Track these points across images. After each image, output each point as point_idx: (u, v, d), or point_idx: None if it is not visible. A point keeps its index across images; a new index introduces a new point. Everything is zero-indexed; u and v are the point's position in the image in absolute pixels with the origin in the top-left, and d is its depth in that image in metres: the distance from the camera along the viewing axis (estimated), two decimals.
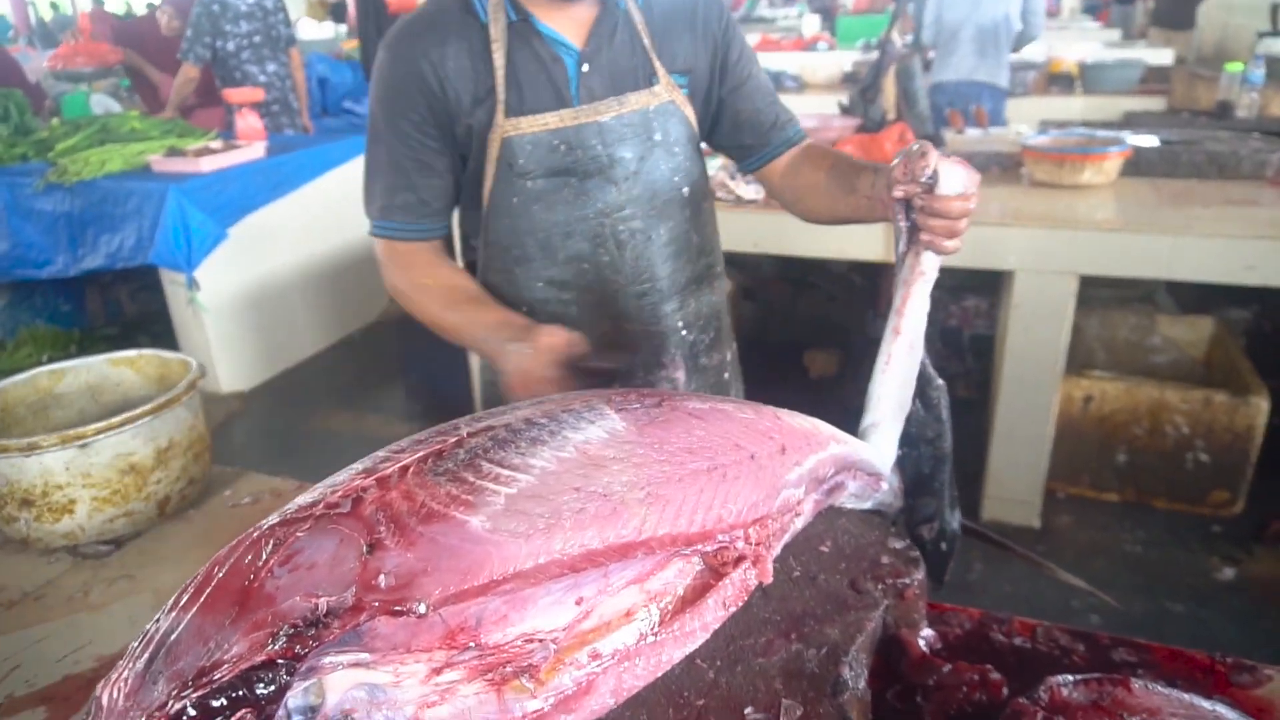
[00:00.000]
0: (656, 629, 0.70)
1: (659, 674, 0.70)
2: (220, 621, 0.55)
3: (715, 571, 0.75)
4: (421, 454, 0.66)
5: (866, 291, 3.84)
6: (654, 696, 0.69)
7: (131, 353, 1.35)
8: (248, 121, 4.30)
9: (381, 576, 0.57)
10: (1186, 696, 0.67)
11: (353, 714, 0.57)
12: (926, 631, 0.85)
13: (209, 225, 3.63)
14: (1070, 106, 4.85)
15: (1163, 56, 5.50)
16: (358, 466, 0.67)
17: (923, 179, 1.00)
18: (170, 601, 0.58)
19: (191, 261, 3.63)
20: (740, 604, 0.76)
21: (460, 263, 1.40)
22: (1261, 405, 2.53)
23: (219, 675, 0.52)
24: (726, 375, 1.51)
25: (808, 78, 6.25)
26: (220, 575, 0.58)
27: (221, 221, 3.70)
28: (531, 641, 0.63)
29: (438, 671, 0.59)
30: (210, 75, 4.91)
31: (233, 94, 4.45)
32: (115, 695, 0.55)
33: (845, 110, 3.57)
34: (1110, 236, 2.38)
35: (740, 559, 0.75)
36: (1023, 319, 2.55)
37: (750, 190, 2.79)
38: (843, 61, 6.27)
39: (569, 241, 1.29)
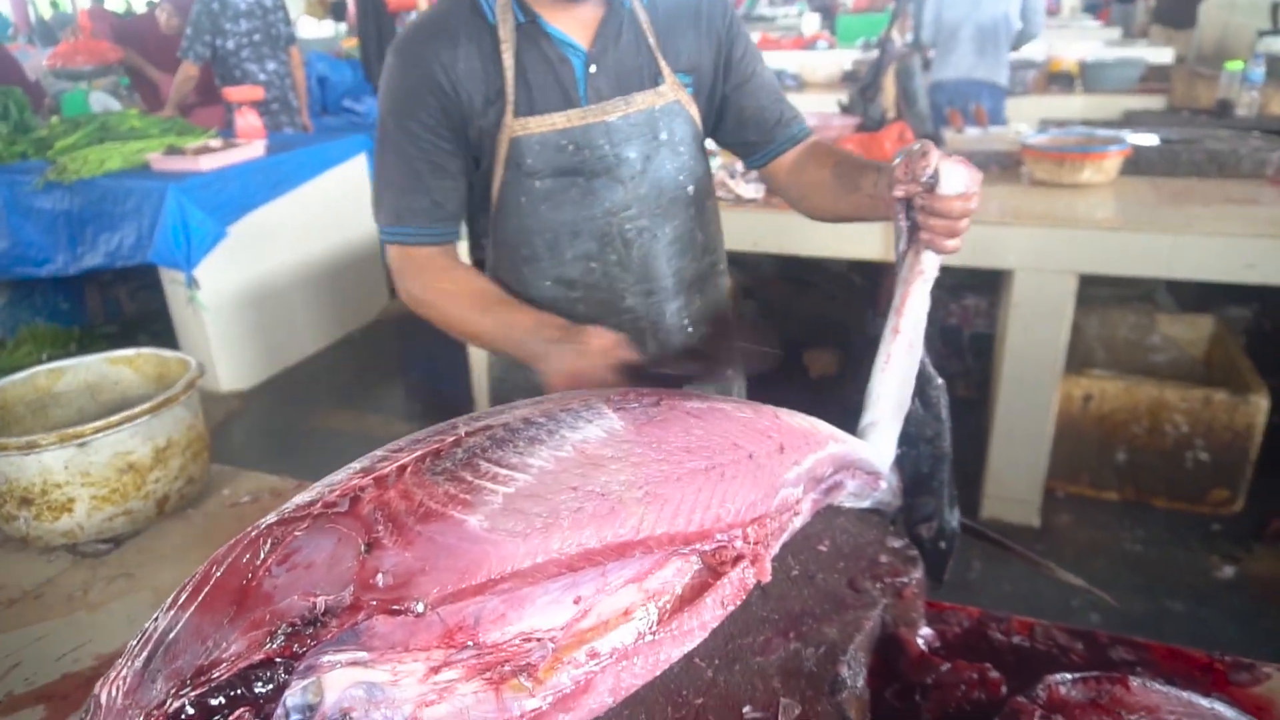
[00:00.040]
0: (655, 628, 0.70)
1: (657, 673, 0.70)
2: (218, 620, 0.55)
3: (713, 570, 0.75)
4: (419, 453, 0.66)
5: (866, 291, 3.84)
6: (652, 695, 0.69)
7: (130, 351, 1.35)
8: (247, 120, 4.30)
9: (379, 575, 0.57)
10: (1185, 695, 0.67)
11: (351, 712, 0.57)
12: (925, 630, 0.85)
13: (208, 224, 3.63)
14: (1070, 105, 4.85)
15: (1163, 55, 5.49)
16: (356, 466, 0.67)
17: (923, 179, 1.00)
18: (169, 600, 0.58)
19: (191, 260, 3.63)
20: (738, 603, 0.76)
21: (466, 258, 1.39)
22: (1261, 404, 2.53)
23: (217, 674, 0.52)
24: (729, 372, 1.52)
25: (807, 76, 6.25)
26: (218, 574, 0.58)
27: (221, 220, 3.70)
28: (530, 640, 0.63)
29: (436, 670, 0.59)
30: (210, 74, 4.90)
31: (232, 92, 4.45)
32: (114, 693, 0.55)
33: (845, 109, 3.57)
34: (1110, 235, 2.38)
35: (738, 558, 0.75)
36: (1022, 318, 2.55)
37: (750, 189, 2.78)
38: (842, 60, 6.27)
39: (577, 241, 1.30)
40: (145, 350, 1.35)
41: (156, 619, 0.58)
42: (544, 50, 1.22)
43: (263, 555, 0.58)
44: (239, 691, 0.52)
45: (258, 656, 0.53)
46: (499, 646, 0.61)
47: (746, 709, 0.68)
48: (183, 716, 0.51)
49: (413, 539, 0.59)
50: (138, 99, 5.77)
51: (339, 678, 0.57)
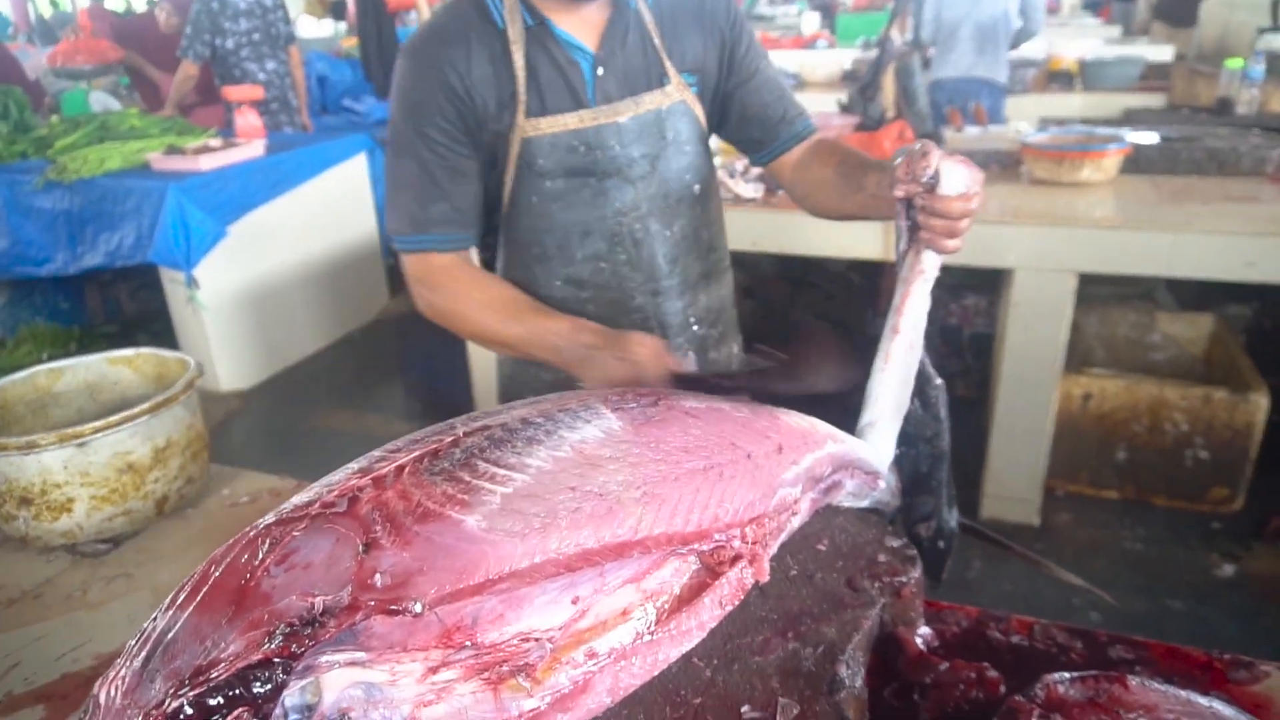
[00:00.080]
0: (653, 628, 0.70)
1: (656, 673, 0.70)
2: (217, 620, 0.55)
3: (712, 570, 0.75)
4: (417, 453, 0.66)
5: (865, 290, 3.84)
6: (651, 695, 0.69)
7: (129, 351, 1.35)
8: (247, 119, 4.30)
9: (377, 576, 0.57)
10: (1183, 693, 0.67)
11: (349, 713, 0.57)
12: (924, 629, 0.85)
13: (208, 223, 3.63)
14: (1070, 104, 4.84)
15: (1163, 53, 5.48)
16: (354, 466, 0.67)
17: (923, 179, 1.00)
18: (167, 600, 0.58)
19: (191, 260, 3.63)
20: (737, 603, 0.76)
21: (475, 261, 1.39)
22: (1261, 402, 2.53)
23: (216, 674, 0.52)
24: (734, 367, 1.53)
25: (807, 76, 6.24)
26: (217, 574, 0.58)
27: (221, 220, 3.70)
28: (528, 640, 0.63)
29: (434, 670, 0.59)
30: (210, 73, 4.90)
31: (232, 92, 4.45)
32: (113, 693, 0.55)
33: (844, 108, 3.57)
34: (1110, 234, 2.38)
35: (737, 558, 0.75)
36: (1022, 317, 2.54)
37: (749, 189, 2.78)
38: (842, 59, 6.26)
39: (587, 241, 1.31)
40: (145, 350, 1.35)
41: (155, 619, 0.58)
42: (552, 53, 1.22)
43: (261, 555, 0.58)
44: (237, 691, 0.52)
45: (256, 656, 0.53)
46: (497, 646, 0.61)
47: (745, 709, 0.68)
48: (181, 716, 0.51)
49: (411, 539, 0.59)
50: (138, 98, 5.77)
51: (337, 678, 0.57)
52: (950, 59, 4.48)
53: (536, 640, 0.63)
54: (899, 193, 1.04)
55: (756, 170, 2.88)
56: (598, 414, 0.74)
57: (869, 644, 0.80)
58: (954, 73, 4.47)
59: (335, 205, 4.39)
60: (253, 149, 3.98)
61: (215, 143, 4.03)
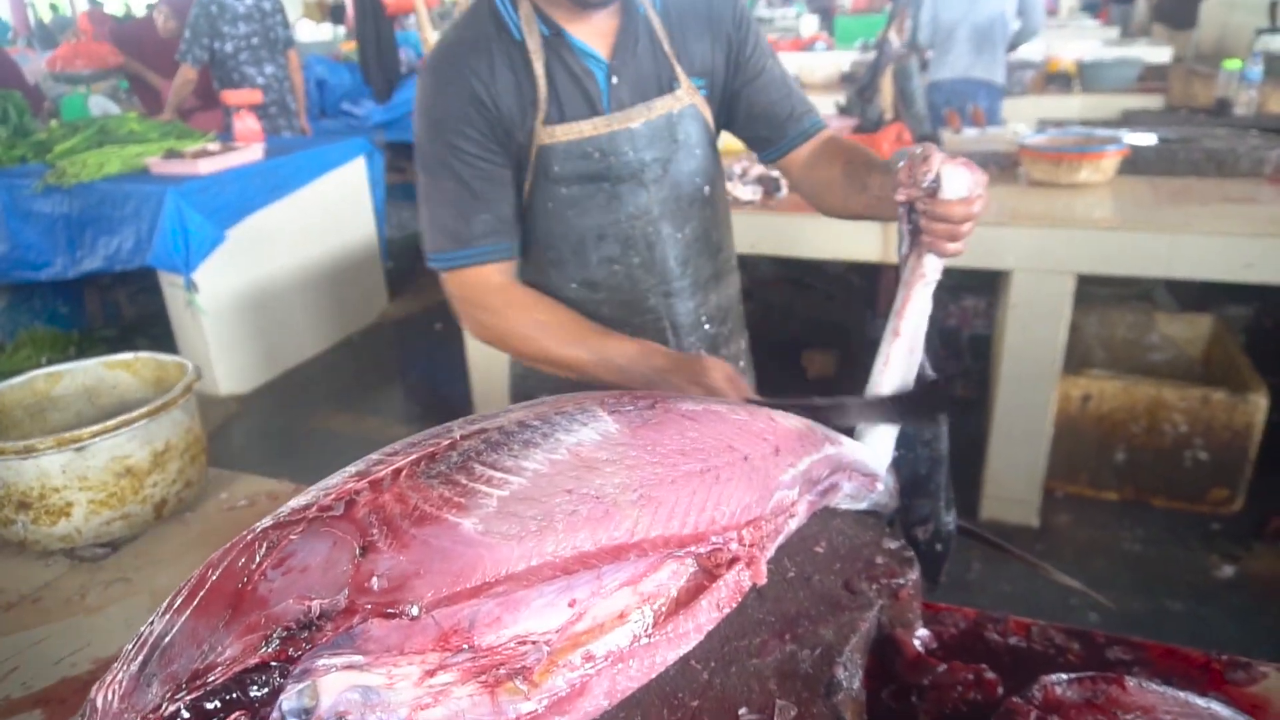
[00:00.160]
0: (650, 630, 0.70)
1: (653, 675, 0.70)
2: (214, 624, 0.55)
3: (709, 573, 0.75)
4: (414, 456, 0.66)
5: (864, 292, 3.84)
6: (648, 698, 0.69)
7: (128, 355, 1.35)
8: (245, 123, 4.30)
9: (374, 579, 0.57)
10: (1181, 694, 0.67)
11: (346, 716, 0.57)
12: (922, 631, 0.85)
13: (207, 227, 3.64)
14: (1068, 105, 4.85)
15: (1161, 54, 5.49)
16: (351, 469, 0.67)
17: (924, 184, 1.00)
18: (164, 604, 0.58)
19: (190, 264, 3.63)
20: (734, 605, 0.76)
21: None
22: (1260, 403, 2.53)
23: (213, 677, 0.52)
24: (741, 364, 1.55)
25: (805, 78, 6.25)
26: (214, 578, 0.58)
27: (220, 224, 3.71)
28: (525, 643, 0.63)
29: (431, 674, 0.59)
30: (209, 78, 4.91)
31: (231, 96, 4.45)
32: (110, 697, 0.55)
33: (843, 110, 3.57)
34: (1108, 235, 2.38)
35: (734, 560, 0.75)
36: (1020, 318, 2.55)
37: (747, 191, 2.79)
38: (840, 61, 6.27)
39: (601, 244, 1.32)
40: (143, 354, 1.35)
41: (152, 623, 0.58)
42: (568, 62, 1.24)
43: (258, 559, 0.58)
44: (234, 695, 0.52)
45: (253, 660, 0.53)
46: (494, 649, 0.61)
47: (742, 711, 0.68)
48: None
49: (408, 542, 0.59)
50: (137, 102, 5.78)
51: (334, 681, 0.57)
52: (948, 61, 4.49)
53: (533, 643, 0.63)
54: (900, 196, 1.04)
55: (755, 172, 2.89)
56: (594, 417, 0.74)
57: (867, 646, 0.80)
58: (951, 74, 4.48)
59: (334, 209, 4.39)
60: (251, 153, 3.99)
61: (214, 147, 4.03)
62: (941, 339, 3.63)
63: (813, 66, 6.34)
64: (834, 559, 0.89)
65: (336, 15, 9.92)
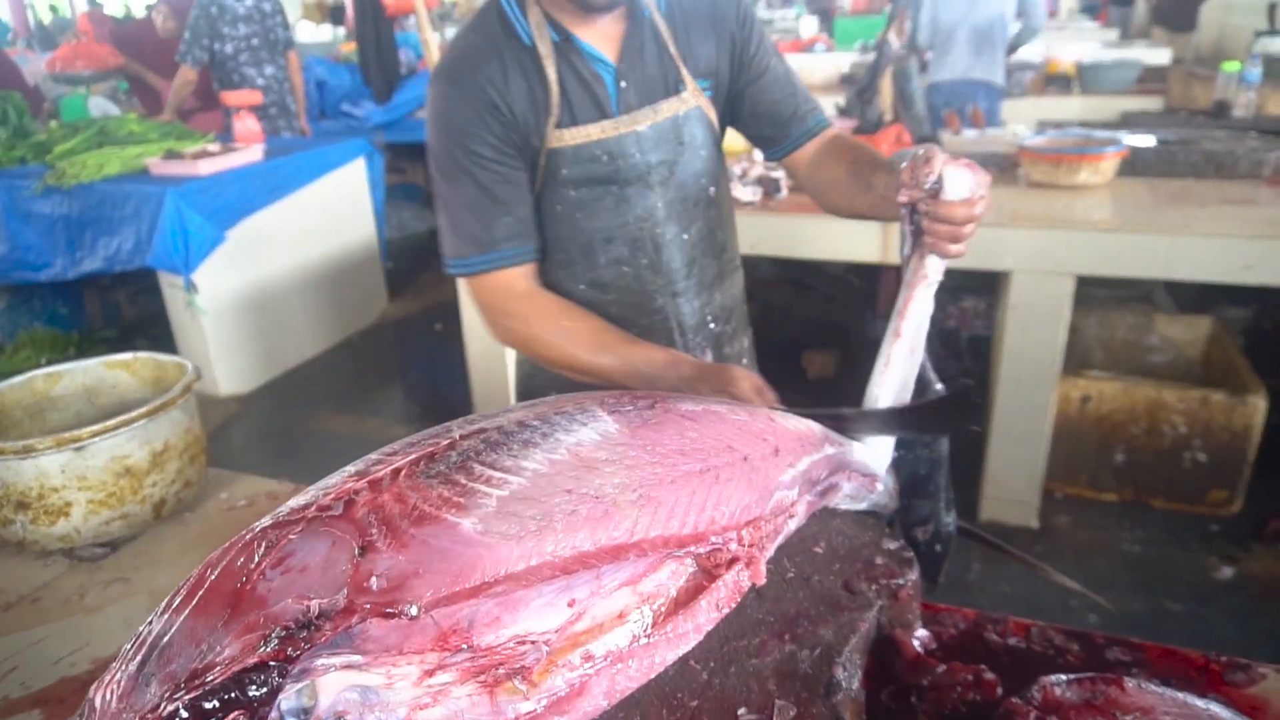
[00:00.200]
0: (649, 631, 0.70)
1: (652, 675, 0.70)
2: (213, 624, 0.55)
3: (708, 573, 0.75)
4: (414, 456, 0.66)
5: (864, 293, 3.84)
6: (647, 698, 0.69)
7: (127, 355, 1.35)
8: (245, 124, 4.30)
9: (373, 579, 0.57)
10: (1180, 695, 0.67)
11: (345, 716, 0.57)
12: (921, 632, 0.85)
13: (207, 228, 3.64)
14: (1067, 107, 4.85)
15: (1160, 56, 5.50)
16: (350, 469, 0.67)
17: (926, 185, 1.00)
18: (163, 603, 0.58)
19: (189, 264, 3.63)
20: (733, 605, 0.76)
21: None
22: (1259, 404, 2.53)
23: (211, 677, 0.52)
24: (745, 361, 1.56)
25: (805, 79, 6.19)
26: (213, 577, 0.58)
27: (219, 224, 3.71)
28: (524, 643, 0.63)
29: (430, 673, 0.59)
30: (209, 78, 4.91)
31: (230, 97, 4.45)
32: (108, 697, 0.55)
33: (842, 112, 3.58)
34: (1107, 236, 2.38)
35: (733, 560, 0.75)
36: (1020, 319, 2.55)
37: (746, 192, 2.79)
38: (840, 63, 6.27)
39: (610, 246, 1.33)
40: (142, 354, 1.35)
41: (151, 622, 0.58)
42: (577, 67, 1.24)
43: (257, 559, 0.58)
44: (233, 695, 0.52)
45: (252, 660, 0.53)
46: (493, 649, 0.61)
47: (741, 711, 0.68)
48: None
49: (407, 542, 0.59)
50: (136, 103, 5.78)
51: (333, 681, 0.57)
52: (947, 62, 4.49)
53: (533, 643, 0.63)
54: (902, 198, 1.04)
55: (755, 173, 2.89)
56: (594, 417, 0.74)
57: (866, 646, 0.80)
58: (951, 75, 4.48)
59: (334, 210, 4.39)
60: (251, 154, 3.99)
61: (214, 148, 4.03)
62: (941, 340, 3.63)
63: (812, 68, 6.34)
64: (833, 559, 0.89)
65: (336, 16, 9.92)
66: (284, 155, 4.14)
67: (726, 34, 1.33)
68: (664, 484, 0.71)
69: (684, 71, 1.30)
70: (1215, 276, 2.35)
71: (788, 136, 1.40)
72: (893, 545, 0.92)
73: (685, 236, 1.36)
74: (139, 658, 0.55)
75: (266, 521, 0.62)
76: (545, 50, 1.23)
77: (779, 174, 2.86)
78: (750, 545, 0.76)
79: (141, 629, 0.58)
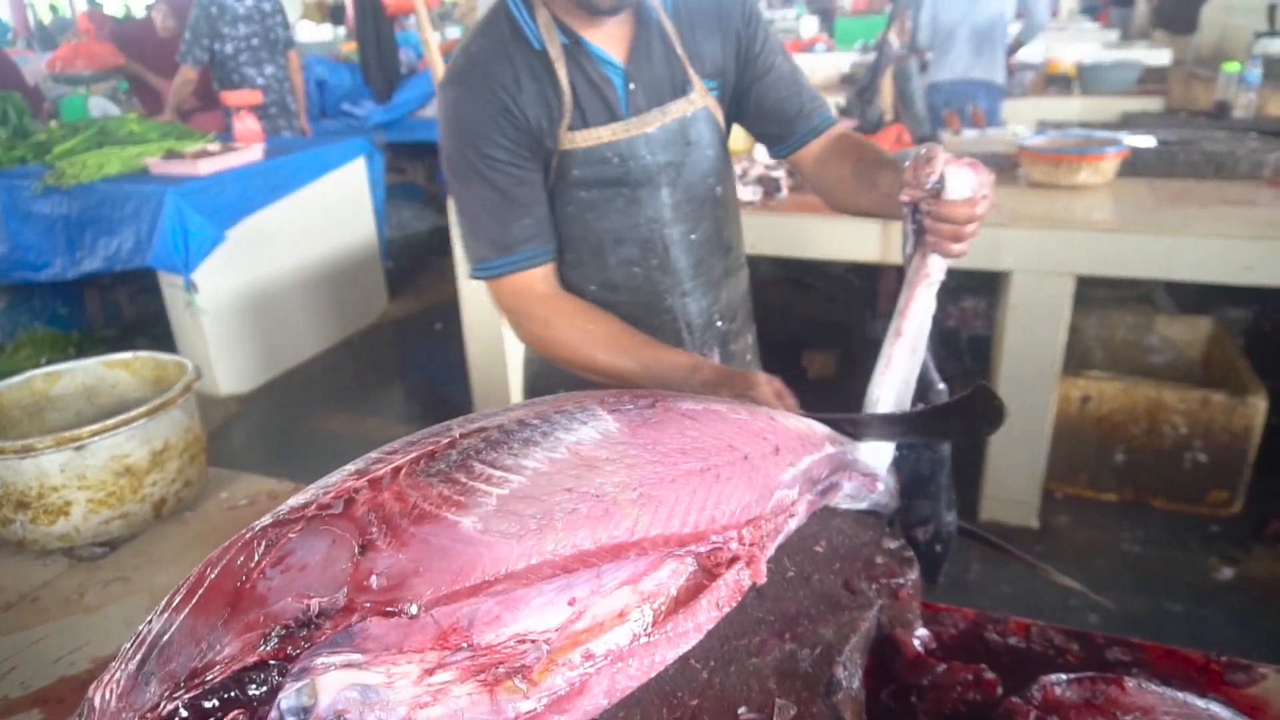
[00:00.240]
0: (650, 629, 0.70)
1: (652, 674, 0.70)
2: (212, 623, 0.55)
3: (708, 572, 0.75)
4: (414, 455, 0.66)
5: (864, 292, 3.84)
6: (647, 697, 0.69)
7: (127, 355, 1.35)
8: (245, 124, 4.30)
9: (373, 577, 0.57)
10: (1180, 695, 0.67)
11: (345, 715, 0.57)
12: (921, 631, 0.85)
13: (207, 228, 3.64)
14: (1068, 107, 4.85)
15: (1160, 57, 5.49)
16: (350, 468, 0.67)
17: (928, 185, 1.00)
18: (163, 603, 0.58)
19: (189, 264, 3.63)
20: (734, 604, 0.76)
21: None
22: (1259, 405, 2.53)
23: (211, 676, 0.52)
24: (749, 357, 1.57)
25: None
26: (213, 576, 0.58)
27: (219, 224, 3.71)
28: (524, 642, 0.63)
29: (430, 672, 0.59)
30: (209, 78, 4.91)
31: (231, 96, 4.45)
32: (108, 696, 0.55)
33: (843, 112, 3.58)
34: (1107, 237, 2.38)
35: (733, 559, 0.75)
36: (1020, 320, 2.55)
37: (747, 192, 2.79)
38: (840, 63, 6.27)
39: (620, 247, 1.33)
40: (142, 354, 1.35)
41: (150, 621, 0.58)
42: (587, 70, 1.24)
43: (257, 557, 0.58)
44: (233, 694, 0.52)
45: (252, 659, 0.53)
46: (493, 648, 0.61)
47: (742, 710, 0.68)
48: (176, 719, 0.51)
49: (407, 541, 0.59)
50: (136, 103, 5.78)
51: (333, 680, 0.57)
52: (947, 62, 4.49)
53: (533, 642, 0.63)
54: (905, 197, 1.04)
55: (756, 173, 2.89)
56: (594, 415, 0.74)
57: (866, 645, 0.80)
58: (951, 75, 4.48)
59: (334, 209, 4.39)
60: (251, 153, 3.99)
61: (214, 147, 4.03)
62: (941, 340, 3.64)
63: (813, 68, 6.33)
64: (834, 558, 0.89)
65: (336, 16, 9.91)
66: (284, 155, 4.14)
67: (732, 32, 1.33)
68: (664, 483, 0.71)
69: (690, 72, 1.31)
70: (1215, 277, 2.35)
71: (793, 134, 1.40)
72: (893, 545, 0.92)
73: (693, 236, 1.36)
74: (139, 657, 0.55)
75: (266, 520, 0.62)
76: (555, 53, 1.23)
77: (779, 174, 2.86)
78: (751, 544, 0.76)
79: (141, 628, 0.58)
